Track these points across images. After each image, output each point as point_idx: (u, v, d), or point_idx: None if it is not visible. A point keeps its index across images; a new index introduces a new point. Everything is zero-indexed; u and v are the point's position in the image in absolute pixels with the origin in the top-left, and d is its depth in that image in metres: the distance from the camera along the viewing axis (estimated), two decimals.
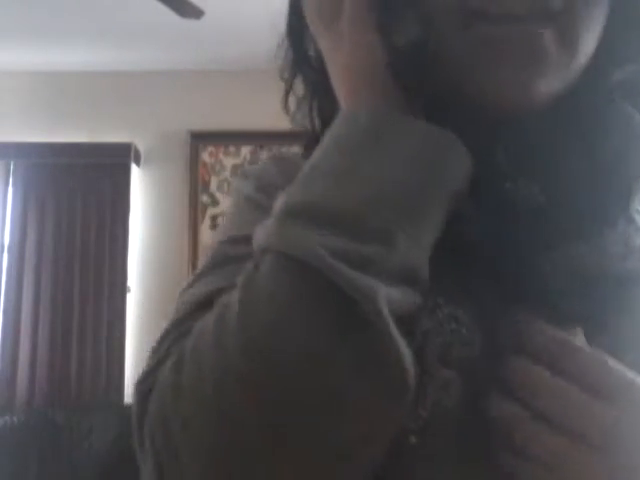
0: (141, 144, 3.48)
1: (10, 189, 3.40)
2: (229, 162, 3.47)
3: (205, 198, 3.46)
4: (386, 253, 0.33)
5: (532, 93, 0.38)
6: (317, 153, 0.38)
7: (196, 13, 2.45)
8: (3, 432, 2.94)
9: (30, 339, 3.21)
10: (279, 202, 0.36)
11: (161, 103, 3.50)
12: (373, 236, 0.33)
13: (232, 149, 3.47)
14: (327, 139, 0.38)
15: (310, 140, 0.50)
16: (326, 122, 0.44)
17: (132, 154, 3.37)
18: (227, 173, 3.46)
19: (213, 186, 3.46)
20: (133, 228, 3.40)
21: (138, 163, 3.46)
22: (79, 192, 3.35)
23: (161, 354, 0.39)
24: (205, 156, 3.49)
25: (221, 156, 3.48)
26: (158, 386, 0.35)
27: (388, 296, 0.32)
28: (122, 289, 3.30)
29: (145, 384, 0.38)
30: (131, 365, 3.30)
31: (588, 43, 0.39)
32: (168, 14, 2.48)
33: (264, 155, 3.41)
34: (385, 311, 0.32)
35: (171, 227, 3.43)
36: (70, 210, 3.33)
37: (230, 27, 2.97)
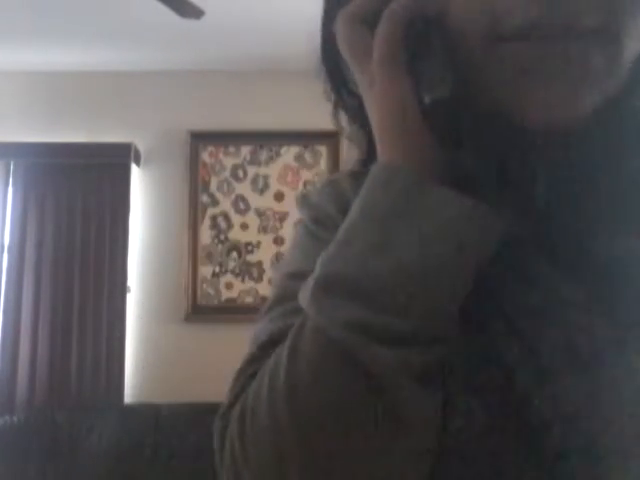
0: (141, 144, 3.48)
1: (10, 189, 3.40)
2: (229, 162, 3.47)
3: (205, 198, 3.46)
4: (408, 326, 0.36)
5: (576, 108, 0.38)
6: (352, 216, 0.40)
7: (196, 13, 2.46)
8: (3, 432, 2.94)
9: (30, 339, 3.21)
10: (317, 265, 0.39)
11: (161, 103, 3.50)
12: (397, 310, 0.36)
13: (232, 149, 3.47)
14: (361, 202, 0.40)
15: (359, 161, 0.51)
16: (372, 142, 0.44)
17: (132, 154, 3.37)
18: (227, 173, 3.46)
19: (213, 186, 3.46)
20: (133, 228, 3.40)
21: (138, 163, 3.46)
22: (79, 192, 3.35)
23: (237, 391, 0.43)
24: (205, 156, 3.49)
25: (221, 156, 3.48)
26: (230, 429, 0.40)
27: (406, 361, 0.36)
28: (122, 289, 3.30)
29: (223, 420, 0.42)
30: (131, 365, 3.31)
31: (629, 55, 0.38)
32: (168, 14, 2.48)
33: (264, 155, 3.41)
34: (401, 382, 0.36)
35: (171, 227, 3.43)
36: (70, 210, 3.33)
37: (230, 27, 2.97)
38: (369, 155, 0.43)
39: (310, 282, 0.39)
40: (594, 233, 0.39)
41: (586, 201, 0.40)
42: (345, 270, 0.37)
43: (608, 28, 0.36)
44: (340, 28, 0.42)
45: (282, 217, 3.39)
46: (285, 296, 0.47)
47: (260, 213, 3.41)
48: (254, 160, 3.42)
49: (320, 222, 0.51)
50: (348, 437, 0.36)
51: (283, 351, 0.39)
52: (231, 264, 3.39)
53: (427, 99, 0.38)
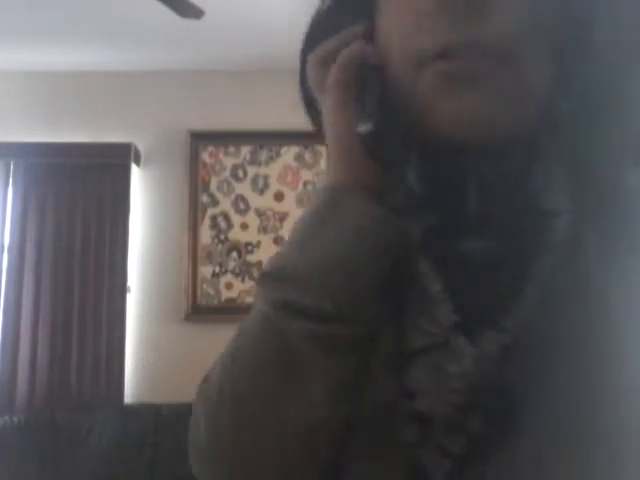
0: (141, 144, 3.48)
1: (10, 189, 3.40)
2: (229, 162, 3.47)
3: (205, 198, 3.46)
4: (318, 303, 0.45)
5: (486, 123, 0.43)
6: (296, 221, 0.49)
7: (196, 13, 2.46)
8: (3, 432, 2.94)
9: (30, 339, 3.21)
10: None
11: (161, 103, 3.50)
12: (310, 290, 0.45)
13: (232, 149, 3.47)
14: (304, 211, 0.49)
15: None
16: None
17: (132, 154, 3.37)
18: (227, 173, 3.46)
19: (213, 186, 3.46)
20: (133, 228, 3.40)
21: (138, 163, 3.46)
22: (79, 192, 3.35)
23: (206, 376, 0.51)
24: (205, 156, 3.49)
25: (221, 156, 3.48)
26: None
27: (313, 332, 0.44)
28: (122, 289, 3.30)
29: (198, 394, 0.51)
30: (131, 365, 3.31)
31: (536, 77, 0.43)
32: (168, 14, 2.48)
33: (264, 155, 3.41)
34: (309, 350, 0.45)
35: (171, 227, 3.43)
36: (70, 210, 3.33)
37: (230, 27, 2.97)
38: None
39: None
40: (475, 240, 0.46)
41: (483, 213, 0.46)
42: (276, 263, 0.47)
43: (509, 50, 0.42)
44: (308, 68, 0.50)
45: (282, 217, 3.39)
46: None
47: (260, 213, 3.41)
48: (254, 160, 3.43)
49: None
50: (263, 391, 0.46)
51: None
52: (231, 264, 3.39)
53: (358, 130, 0.46)
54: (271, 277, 0.47)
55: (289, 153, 3.40)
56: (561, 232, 0.45)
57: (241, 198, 3.44)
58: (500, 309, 0.44)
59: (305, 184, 3.39)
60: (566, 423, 0.43)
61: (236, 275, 3.38)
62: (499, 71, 0.42)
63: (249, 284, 3.35)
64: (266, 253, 3.36)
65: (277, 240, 3.37)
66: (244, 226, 3.41)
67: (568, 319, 0.45)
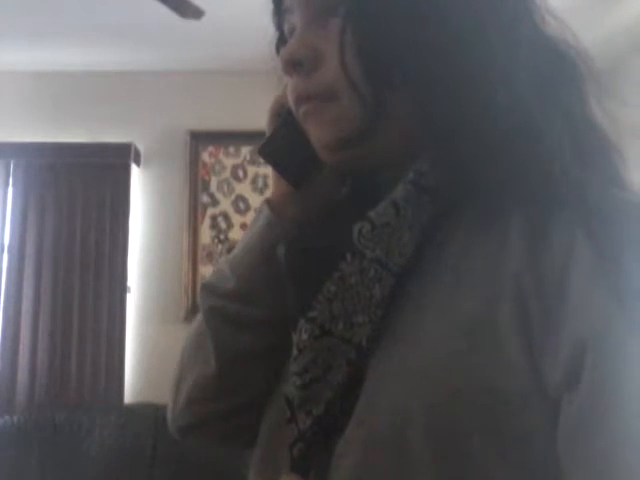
0: (141, 144, 3.48)
1: (10, 189, 3.40)
2: (229, 162, 3.47)
3: (205, 198, 3.46)
4: (229, 285, 0.62)
5: (331, 149, 0.56)
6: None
7: (196, 13, 2.46)
8: (3, 432, 2.94)
9: (30, 339, 3.21)
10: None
11: (161, 103, 3.50)
12: (224, 277, 0.62)
13: (232, 149, 3.47)
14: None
15: None
16: None
17: (132, 154, 3.37)
18: (227, 173, 3.47)
19: (213, 186, 3.46)
20: (133, 228, 3.40)
21: (138, 163, 3.46)
22: (79, 192, 3.35)
23: None
24: (205, 156, 3.49)
25: (221, 156, 3.49)
26: None
27: (223, 308, 0.62)
28: (122, 289, 3.30)
29: None
30: (131, 365, 3.31)
31: (351, 106, 0.53)
32: (168, 14, 2.48)
33: None
34: (217, 323, 0.62)
35: (171, 227, 3.44)
36: (70, 210, 3.33)
37: (230, 27, 2.97)
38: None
39: None
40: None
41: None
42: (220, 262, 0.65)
43: (328, 95, 0.54)
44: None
45: None
46: None
47: None
48: (254, 160, 3.42)
49: None
50: (189, 350, 0.65)
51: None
52: None
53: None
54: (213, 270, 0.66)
55: None
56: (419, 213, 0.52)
57: (241, 198, 3.44)
58: (311, 303, 0.52)
59: None
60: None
61: None
62: (322, 110, 0.55)
63: None
64: None
65: None
66: (244, 226, 3.41)
67: (422, 297, 0.51)
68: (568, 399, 0.42)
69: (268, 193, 0.62)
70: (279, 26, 0.64)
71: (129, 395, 3.27)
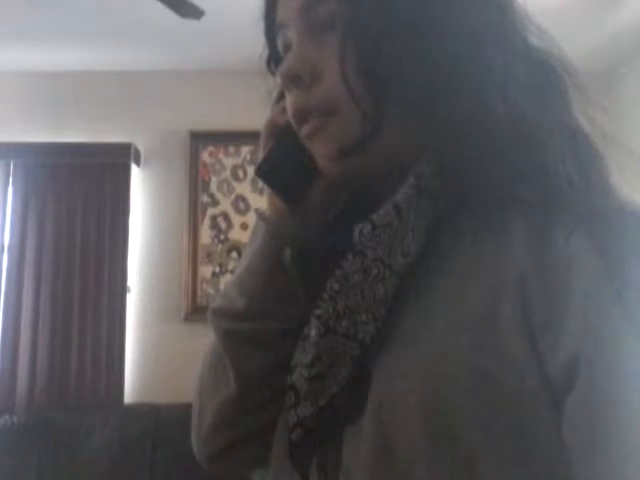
0: (141, 144, 3.48)
1: (10, 189, 3.40)
2: (229, 162, 3.47)
3: (205, 198, 3.46)
4: (240, 305, 0.61)
5: (332, 163, 0.56)
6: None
7: (196, 13, 2.46)
8: (3, 432, 2.94)
9: (30, 339, 3.21)
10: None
11: (161, 103, 3.50)
12: (231, 299, 0.62)
13: (232, 149, 3.47)
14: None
15: None
16: None
17: (132, 154, 3.38)
18: (227, 173, 3.47)
19: (213, 186, 3.46)
20: (133, 228, 3.40)
21: (138, 163, 3.46)
22: (79, 192, 3.35)
23: None
24: (205, 156, 3.49)
25: (221, 156, 3.49)
26: None
27: (235, 330, 0.61)
28: (122, 289, 3.30)
29: None
30: (131, 365, 3.31)
31: (352, 119, 0.54)
32: (168, 14, 2.48)
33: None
34: (232, 344, 0.62)
35: (171, 227, 3.44)
36: (70, 210, 3.33)
37: (230, 27, 2.97)
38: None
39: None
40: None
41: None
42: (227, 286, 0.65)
43: (329, 109, 0.55)
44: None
45: None
46: None
47: None
48: (254, 160, 3.42)
49: None
50: (208, 376, 0.63)
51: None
52: (231, 264, 3.39)
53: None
54: (219, 293, 0.65)
55: None
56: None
57: (241, 198, 3.44)
58: (317, 302, 0.54)
59: None
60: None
61: None
62: (325, 126, 0.55)
63: None
64: None
65: None
66: (244, 226, 3.41)
67: (422, 297, 0.52)
68: (568, 400, 0.43)
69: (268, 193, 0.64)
70: (271, 42, 0.64)
71: (129, 395, 3.27)
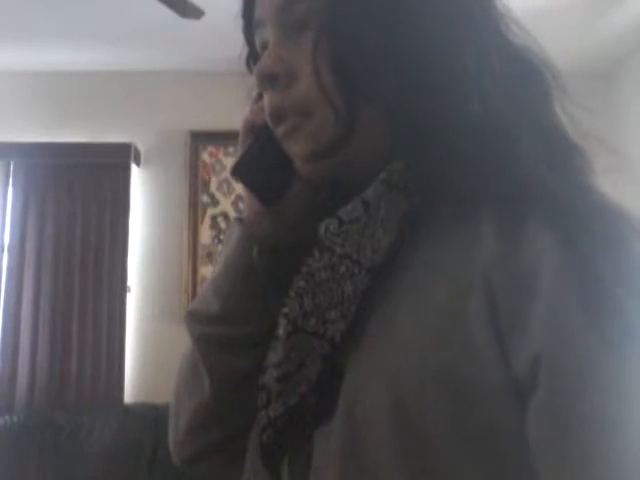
0: (141, 144, 3.48)
1: (10, 189, 3.40)
2: (229, 162, 3.47)
3: (205, 198, 3.46)
4: (214, 309, 0.61)
5: (307, 162, 0.56)
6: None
7: (196, 13, 2.46)
8: (3, 432, 2.94)
9: (30, 339, 3.21)
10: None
11: (161, 103, 3.50)
12: (207, 302, 0.62)
13: (232, 149, 3.47)
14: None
15: None
16: None
17: (132, 154, 3.38)
18: (227, 173, 3.46)
19: (213, 186, 3.46)
20: (133, 228, 3.40)
21: (138, 163, 3.46)
22: (79, 192, 3.35)
23: None
24: (205, 156, 3.49)
25: (221, 156, 3.49)
26: None
27: (210, 334, 0.61)
28: (122, 289, 3.30)
29: None
30: (131, 365, 3.31)
31: (326, 119, 0.53)
32: (168, 14, 2.48)
33: None
34: (207, 348, 0.62)
35: (171, 227, 3.44)
36: (70, 210, 3.33)
37: (230, 27, 2.96)
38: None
39: None
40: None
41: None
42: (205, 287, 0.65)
43: (304, 109, 0.54)
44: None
45: None
46: None
47: None
48: None
49: None
50: (184, 379, 0.64)
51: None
52: None
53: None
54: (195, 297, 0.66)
55: None
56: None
57: (241, 198, 3.44)
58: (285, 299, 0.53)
59: None
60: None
61: None
62: (300, 126, 0.55)
63: None
64: None
65: None
66: None
67: (393, 292, 0.52)
68: (532, 400, 0.43)
69: None
70: (250, 41, 0.65)
71: (129, 395, 3.27)
